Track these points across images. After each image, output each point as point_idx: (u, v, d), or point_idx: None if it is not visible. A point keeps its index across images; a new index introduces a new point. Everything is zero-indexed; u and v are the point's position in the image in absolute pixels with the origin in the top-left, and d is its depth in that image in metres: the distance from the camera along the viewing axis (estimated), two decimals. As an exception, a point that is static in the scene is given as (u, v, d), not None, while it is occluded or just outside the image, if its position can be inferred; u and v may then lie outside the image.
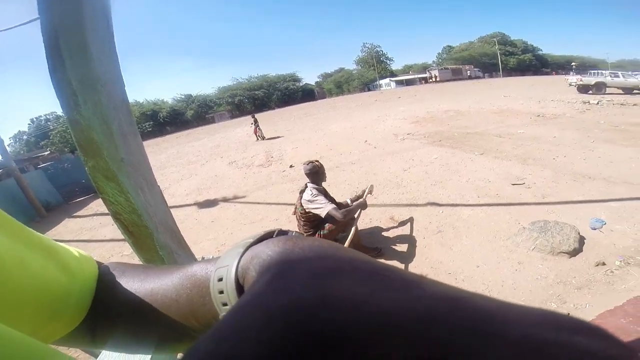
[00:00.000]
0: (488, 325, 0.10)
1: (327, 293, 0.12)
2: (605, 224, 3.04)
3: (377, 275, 0.13)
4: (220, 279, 0.22)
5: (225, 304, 0.22)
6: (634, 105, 10.70)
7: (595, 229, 2.99)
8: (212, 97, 58.08)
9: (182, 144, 15.76)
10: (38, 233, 0.33)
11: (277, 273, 0.15)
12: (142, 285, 0.30)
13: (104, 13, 0.91)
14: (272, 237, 0.22)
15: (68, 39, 0.78)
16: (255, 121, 13.15)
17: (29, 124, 54.95)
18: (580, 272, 2.50)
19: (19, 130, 55.29)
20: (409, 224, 3.64)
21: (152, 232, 0.93)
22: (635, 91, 15.66)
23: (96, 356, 0.70)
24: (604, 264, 2.54)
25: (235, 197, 5.83)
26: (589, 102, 11.89)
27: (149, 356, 0.66)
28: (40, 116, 55.13)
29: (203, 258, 1.10)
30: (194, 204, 5.88)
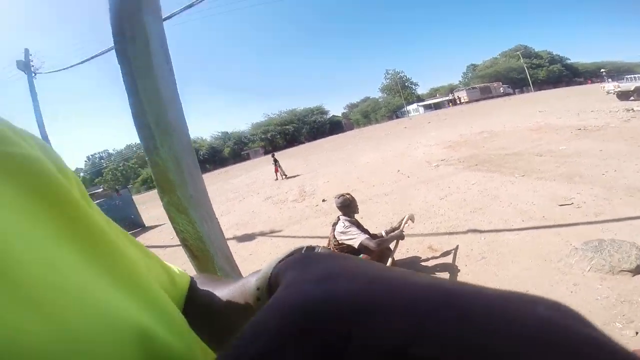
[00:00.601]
0: (471, 313, 0.11)
1: (328, 289, 0.14)
2: None
3: (375, 273, 0.15)
4: (258, 288, 0.27)
5: (258, 298, 0.27)
6: (682, 108, 9.90)
7: None
8: (246, 134, 60.78)
9: (222, 181, 16.53)
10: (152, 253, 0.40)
11: (293, 277, 0.18)
12: (219, 292, 0.37)
13: (167, 59, 1.05)
14: (301, 251, 0.28)
15: (144, 83, 0.94)
16: (275, 161, 13.45)
17: (85, 161, 59.84)
18: None
19: (77, 168, 59.62)
20: (452, 253, 3.51)
21: (212, 257, 1.08)
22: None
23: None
24: None
25: (272, 232, 5.98)
26: (632, 109, 11.10)
27: None
28: (95, 154, 60.18)
29: None
30: (233, 238, 6.06)
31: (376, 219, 5.20)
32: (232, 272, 1.20)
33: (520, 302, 0.12)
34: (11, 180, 0.20)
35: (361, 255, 2.93)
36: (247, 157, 51.55)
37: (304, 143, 48.80)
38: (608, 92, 16.65)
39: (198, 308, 0.38)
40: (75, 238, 0.22)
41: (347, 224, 2.97)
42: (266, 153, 49.06)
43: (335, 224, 3.08)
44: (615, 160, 5.37)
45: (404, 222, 3.33)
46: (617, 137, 7.14)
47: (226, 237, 5.69)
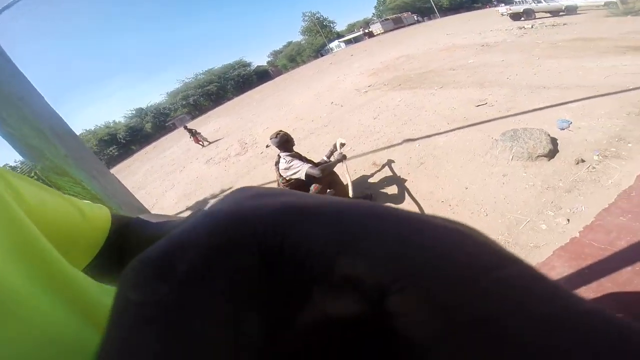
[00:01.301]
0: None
1: (258, 203, 0.13)
2: (571, 122, 3.28)
3: (300, 194, 0.15)
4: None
5: None
6: (564, 24, 11.30)
7: (563, 129, 3.21)
8: (164, 105, 55.15)
9: (153, 158, 14.87)
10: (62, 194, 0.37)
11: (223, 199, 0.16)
12: (164, 228, 0.35)
13: None
14: None
15: None
16: (191, 131, 12.42)
17: None
18: (563, 173, 2.61)
19: None
20: (388, 166, 3.78)
21: (116, 211, 1.00)
22: (561, 13, 16.68)
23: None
24: (583, 160, 2.66)
25: (222, 191, 5.75)
26: (524, 27, 12.48)
27: None
28: None
29: None
30: (186, 210, 5.74)
31: (321, 149, 5.25)
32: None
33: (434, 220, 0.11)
34: None
35: (312, 187, 2.98)
36: (173, 127, 46.60)
37: (232, 99, 45.65)
38: (502, 14, 18.57)
39: (128, 249, 0.37)
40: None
41: (288, 159, 2.95)
42: (193, 118, 45.08)
43: (277, 163, 3.06)
44: (515, 67, 6.06)
45: (337, 145, 3.44)
46: (514, 49, 7.99)
47: (177, 210, 5.28)
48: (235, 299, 0.10)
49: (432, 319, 0.08)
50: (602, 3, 16.66)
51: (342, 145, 3.55)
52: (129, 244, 0.38)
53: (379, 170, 3.75)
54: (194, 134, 12.17)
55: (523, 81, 5.03)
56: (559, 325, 0.07)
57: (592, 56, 5.61)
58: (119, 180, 1.13)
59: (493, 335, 0.08)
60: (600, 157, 2.65)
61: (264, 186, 0.18)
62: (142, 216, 0.42)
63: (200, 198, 6.03)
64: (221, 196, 0.23)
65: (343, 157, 3.12)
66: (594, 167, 2.56)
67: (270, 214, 0.12)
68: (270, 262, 0.11)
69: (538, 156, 2.86)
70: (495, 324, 0.08)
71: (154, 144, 32.43)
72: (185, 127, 13.34)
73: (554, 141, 3.01)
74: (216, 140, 11.47)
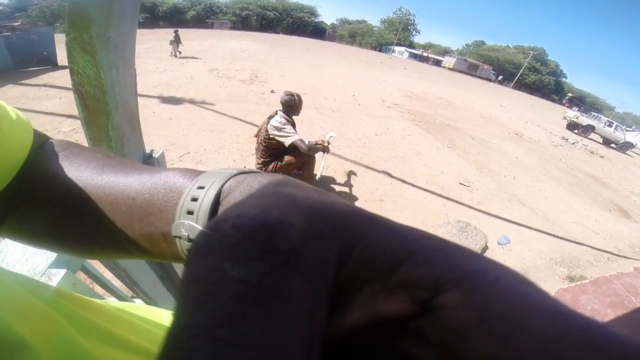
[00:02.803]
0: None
1: (333, 203, 0.14)
2: (510, 242, 3.46)
3: (322, 193, 0.16)
4: (201, 187, 0.21)
5: (190, 212, 0.20)
6: (601, 157, 11.37)
7: (500, 244, 3.39)
8: (220, 4, 53.36)
9: (169, 40, 14.39)
10: None
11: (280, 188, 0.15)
12: (96, 173, 0.26)
13: None
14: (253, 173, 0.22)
15: None
16: (176, 36, 11.38)
17: None
18: None
19: None
20: (350, 177, 3.90)
21: (110, 110, 0.92)
22: (612, 145, 16.47)
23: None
24: None
25: (203, 102, 5.65)
26: (567, 139, 12.42)
27: (53, 256, 0.68)
28: None
29: (152, 150, 1.16)
30: (157, 97, 5.62)
31: (313, 128, 5.28)
32: (131, 135, 1.02)
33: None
34: None
35: (286, 157, 3.01)
36: (210, 26, 45.19)
37: (279, 34, 44.27)
38: (564, 118, 17.82)
39: (40, 184, 0.27)
40: None
41: (283, 120, 2.91)
42: (233, 29, 43.78)
43: (271, 117, 3.00)
44: (521, 170, 6.13)
45: (326, 140, 3.50)
46: (537, 153, 8.05)
47: (150, 94, 5.18)
48: (318, 288, 0.11)
49: (475, 309, 0.10)
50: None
51: (331, 137, 3.63)
52: (41, 180, 0.27)
53: (346, 181, 3.82)
54: (175, 40, 11.20)
55: (513, 187, 5.12)
56: (562, 322, 0.09)
57: (584, 198, 5.73)
58: (135, 79, 1.01)
59: (515, 324, 0.09)
60: None
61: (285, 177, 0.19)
62: (60, 143, 0.30)
63: (179, 96, 5.90)
64: (236, 173, 0.21)
65: (327, 149, 3.16)
66: None
67: (345, 213, 0.13)
68: (343, 257, 0.12)
69: None
70: (517, 317, 0.10)
71: (183, 30, 31.57)
72: (176, 31, 12.16)
73: (484, 249, 3.19)
74: (188, 58, 10.75)
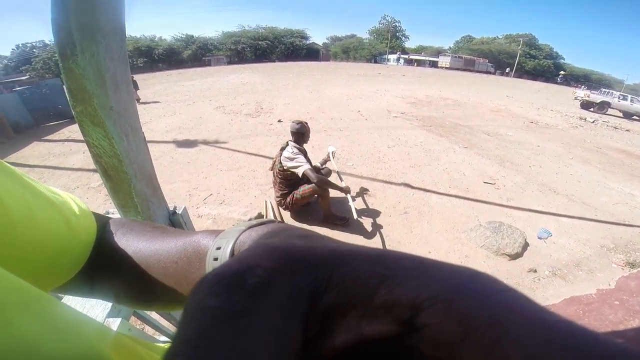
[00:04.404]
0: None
1: (311, 245, 0.16)
2: (551, 235, 3.26)
3: (317, 236, 0.19)
4: (219, 248, 0.25)
5: None
6: (627, 130, 10.93)
7: (541, 238, 3.20)
8: (213, 41, 54.84)
9: (172, 82, 15.00)
10: (42, 184, 0.33)
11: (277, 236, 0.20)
12: (147, 244, 0.33)
13: None
14: (273, 222, 0.26)
15: None
16: (134, 83, 11.73)
17: (12, 49, 50.86)
18: (513, 274, 2.70)
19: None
20: (361, 196, 3.82)
21: (130, 178, 0.96)
22: (634, 117, 15.75)
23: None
24: (535, 271, 2.75)
25: (217, 142, 5.77)
26: (585, 119, 11.99)
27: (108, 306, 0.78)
28: (27, 43, 50.96)
29: (175, 207, 1.16)
30: (172, 142, 5.78)
31: (325, 152, 5.26)
32: (153, 197, 1.06)
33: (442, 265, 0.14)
34: None
35: (301, 188, 3.03)
36: (207, 64, 46.76)
37: (274, 62, 45.58)
38: (576, 98, 17.19)
39: (110, 260, 0.34)
40: None
41: (295, 150, 2.96)
42: (230, 63, 45.25)
43: (283, 149, 3.06)
44: (546, 158, 5.91)
45: (331, 157, 3.56)
46: (558, 138, 7.78)
47: (166, 139, 5.39)
48: (286, 310, 0.13)
49: (457, 324, 0.11)
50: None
51: (333, 153, 3.65)
52: (112, 254, 0.34)
53: (366, 199, 3.74)
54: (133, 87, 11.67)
55: (541, 176, 4.90)
56: (542, 326, 0.10)
57: (622, 176, 5.45)
58: (145, 143, 1.07)
59: (498, 334, 0.10)
60: (550, 274, 2.75)
61: (300, 227, 0.22)
62: (117, 222, 0.38)
63: (192, 138, 6.02)
64: (252, 225, 0.25)
65: (348, 190, 3.11)
66: (539, 279, 2.68)
67: (321, 251, 0.15)
68: (319, 288, 0.14)
69: (503, 254, 2.92)
70: (500, 327, 0.10)
71: (182, 70, 32.33)
72: (132, 77, 12.76)
73: (525, 246, 3.04)
74: (149, 102, 10.57)
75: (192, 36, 53.77)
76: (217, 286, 0.13)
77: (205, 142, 5.74)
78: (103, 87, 0.86)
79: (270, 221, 0.26)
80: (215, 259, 0.25)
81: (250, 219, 0.34)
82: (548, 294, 2.51)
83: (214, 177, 4.28)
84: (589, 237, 3.35)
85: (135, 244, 0.33)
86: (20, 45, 51.37)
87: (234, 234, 0.25)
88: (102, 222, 0.38)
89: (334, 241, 0.17)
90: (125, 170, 0.94)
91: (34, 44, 51.29)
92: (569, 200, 4.17)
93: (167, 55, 49.13)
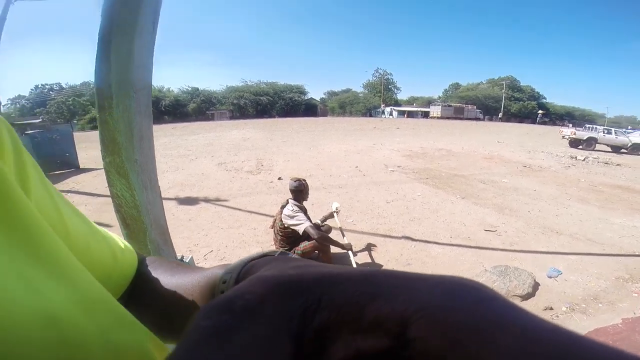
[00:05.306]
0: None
1: (302, 272, 0.18)
2: (561, 273, 3.27)
3: (335, 267, 0.19)
4: (224, 282, 0.28)
5: None
6: (617, 165, 11.17)
7: (551, 277, 3.20)
8: (217, 95, 56.86)
9: (176, 136, 15.46)
10: (94, 224, 0.37)
11: (272, 266, 0.22)
12: (171, 279, 0.37)
13: (154, 21, 0.99)
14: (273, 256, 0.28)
15: (119, 42, 0.88)
16: None
17: (31, 90, 53.16)
18: None
19: (19, 94, 53.28)
20: (367, 251, 3.82)
21: (146, 228, 1.03)
22: (622, 150, 16.14)
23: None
24: (551, 308, 2.74)
25: (218, 199, 5.88)
26: (576, 157, 12.28)
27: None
28: (46, 84, 53.50)
29: (182, 257, 1.24)
30: (174, 199, 5.88)
31: (325, 209, 5.34)
32: (164, 246, 1.13)
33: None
34: None
35: (302, 244, 3.10)
36: (210, 118, 48.27)
37: (274, 117, 47.41)
38: (563, 137, 17.69)
39: (144, 291, 0.38)
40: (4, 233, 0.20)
41: (295, 208, 3.05)
42: (232, 118, 46.60)
43: (283, 207, 3.14)
44: (543, 201, 5.99)
45: (334, 213, 3.62)
46: (552, 180, 7.93)
47: (167, 196, 5.48)
48: (274, 328, 0.14)
49: (441, 336, 0.11)
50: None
51: (338, 209, 3.72)
52: (144, 287, 0.39)
53: (367, 254, 3.74)
54: None
55: (541, 220, 4.94)
56: (521, 332, 0.11)
57: (622, 210, 5.51)
58: (160, 195, 1.14)
59: (480, 344, 0.11)
60: (568, 310, 2.73)
61: (297, 257, 0.26)
62: (148, 259, 0.44)
63: (194, 195, 6.10)
64: (256, 257, 0.28)
65: (349, 247, 3.17)
66: (557, 316, 2.68)
67: (311, 276, 0.17)
68: (310, 309, 0.15)
69: (514, 295, 2.91)
70: (481, 336, 0.11)
71: (186, 123, 33.17)
72: None
73: (535, 286, 3.04)
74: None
75: (198, 89, 55.20)
76: (210, 311, 0.15)
77: (207, 200, 5.84)
78: (131, 140, 0.96)
79: (272, 253, 0.29)
80: (222, 292, 0.27)
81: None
82: (570, 328, 2.47)
83: (215, 234, 4.32)
84: (600, 271, 3.36)
85: (162, 278, 0.38)
86: (39, 86, 53.22)
87: (238, 268, 0.28)
88: (141, 258, 0.43)
89: (327, 267, 0.19)
90: (143, 219, 1.02)
91: (52, 85, 53.19)
92: (573, 239, 4.19)
93: (173, 107, 50.02)
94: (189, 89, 55.07)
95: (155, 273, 0.39)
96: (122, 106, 0.95)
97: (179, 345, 0.13)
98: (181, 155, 10.75)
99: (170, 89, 55.46)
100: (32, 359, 0.18)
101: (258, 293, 0.16)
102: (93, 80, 0.92)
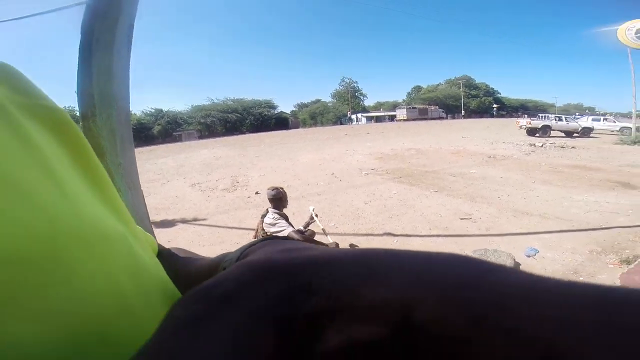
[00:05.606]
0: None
1: (291, 255, 0.17)
2: (538, 252, 3.45)
3: (324, 249, 0.18)
4: (224, 269, 0.27)
5: None
6: (572, 148, 11.99)
7: (529, 257, 3.38)
8: (183, 115, 54.86)
9: (143, 160, 14.75)
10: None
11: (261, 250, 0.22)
12: (188, 264, 0.39)
13: (129, 39, 1.06)
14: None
15: (99, 58, 0.94)
16: None
17: None
18: None
19: None
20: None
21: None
22: (575, 134, 17.39)
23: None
24: None
25: (195, 220, 5.75)
26: (534, 144, 13.14)
27: None
28: None
29: None
30: (151, 223, 5.68)
31: (306, 217, 5.35)
32: None
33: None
34: (50, 129, 0.23)
35: None
36: (178, 139, 46.41)
37: (245, 134, 46.61)
38: (520, 127, 18.85)
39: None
40: (88, 179, 0.24)
41: (276, 216, 3.06)
42: (201, 137, 45.47)
43: (264, 216, 3.14)
44: (510, 187, 6.33)
45: (313, 216, 3.65)
46: (516, 167, 8.40)
47: None
48: (253, 314, 0.13)
49: (458, 315, 0.10)
50: (618, 128, 17.44)
51: (314, 210, 3.73)
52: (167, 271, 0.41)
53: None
54: None
55: (511, 203, 5.22)
56: (525, 302, 0.10)
57: (583, 188, 5.90)
58: (144, 198, 1.19)
59: (495, 318, 0.10)
60: None
61: (287, 240, 0.24)
62: (171, 249, 0.47)
63: (170, 217, 5.92)
64: (256, 242, 0.27)
65: (336, 246, 3.22)
66: None
67: (299, 260, 0.16)
68: (299, 294, 0.14)
69: None
70: (511, 306, 0.10)
71: (153, 147, 31.90)
72: None
73: (516, 266, 3.12)
74: None
75: (162, 110, 52.90)
76: (186, 300, 0.15)
77: (184, 221, 5.69)
78: (114, 145, 1.02)
79: (270, 238, 0.28)
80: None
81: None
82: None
83: (196, 252, 4.21)
84: (574, 246, 3.55)
85: (182, 263, 0.40)
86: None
87: (237, 254, 0.28)
88: (160, 247, 0.46)
89: (319, 249, 0.18)
90: (129, 220, 1.06)
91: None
92: (543, 218, 4.44)
93: (137, 130, 46.54)
94: (153, 110, 52.77)
95: (172, 257, 0.41)
96: (104, 114, 0.99)
97: (151, 337, 0.13)
98: (151, 180, 10.33)
99: (133, 112, 53.11)
100: (114, 255, 0.20)
101: (238, 280, 0.15)
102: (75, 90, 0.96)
